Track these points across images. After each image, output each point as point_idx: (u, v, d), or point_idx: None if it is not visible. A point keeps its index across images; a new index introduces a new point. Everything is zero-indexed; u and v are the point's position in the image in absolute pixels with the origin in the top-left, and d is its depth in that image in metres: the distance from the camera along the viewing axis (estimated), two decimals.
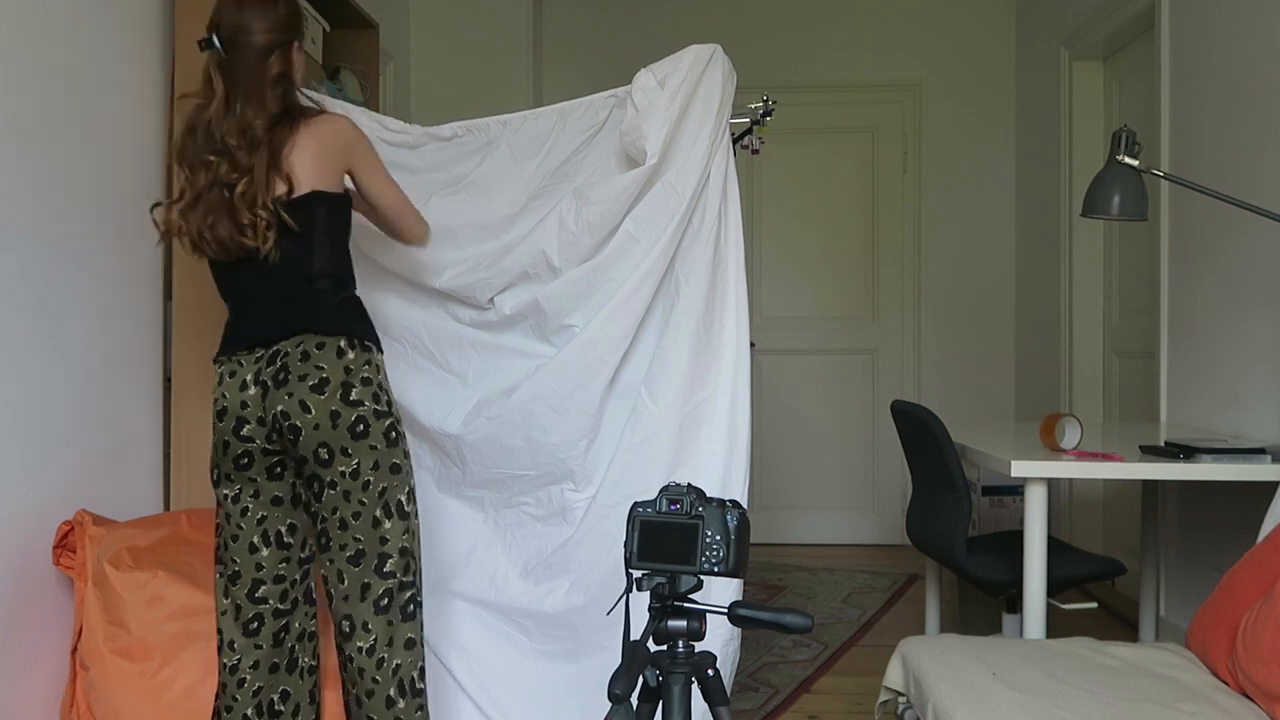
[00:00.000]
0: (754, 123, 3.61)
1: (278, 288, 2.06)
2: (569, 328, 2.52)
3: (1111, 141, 2.49)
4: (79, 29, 2.44)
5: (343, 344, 2.04)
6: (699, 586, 1.50)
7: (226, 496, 2.11)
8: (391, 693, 2.05)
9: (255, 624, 2.11)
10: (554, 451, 2.53)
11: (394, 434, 2.07)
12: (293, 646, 2.17)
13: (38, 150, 2.30)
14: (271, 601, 2.12)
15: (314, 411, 2.00)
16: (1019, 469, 2.46)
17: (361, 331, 2.09)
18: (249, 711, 2.12)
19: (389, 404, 2.08)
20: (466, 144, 2.70)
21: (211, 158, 1.99)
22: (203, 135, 2.02)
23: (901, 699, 2.23)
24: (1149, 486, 3.31)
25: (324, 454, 2.01)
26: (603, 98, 2.62)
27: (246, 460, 2.08)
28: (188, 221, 2.03)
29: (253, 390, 2.04)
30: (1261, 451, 2.50)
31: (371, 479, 2.03)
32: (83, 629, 2.30)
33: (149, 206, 2.14)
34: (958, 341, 5.44)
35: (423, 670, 2.11)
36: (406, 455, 2.11)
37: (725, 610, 1.51)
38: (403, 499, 2.08)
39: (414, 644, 2.09)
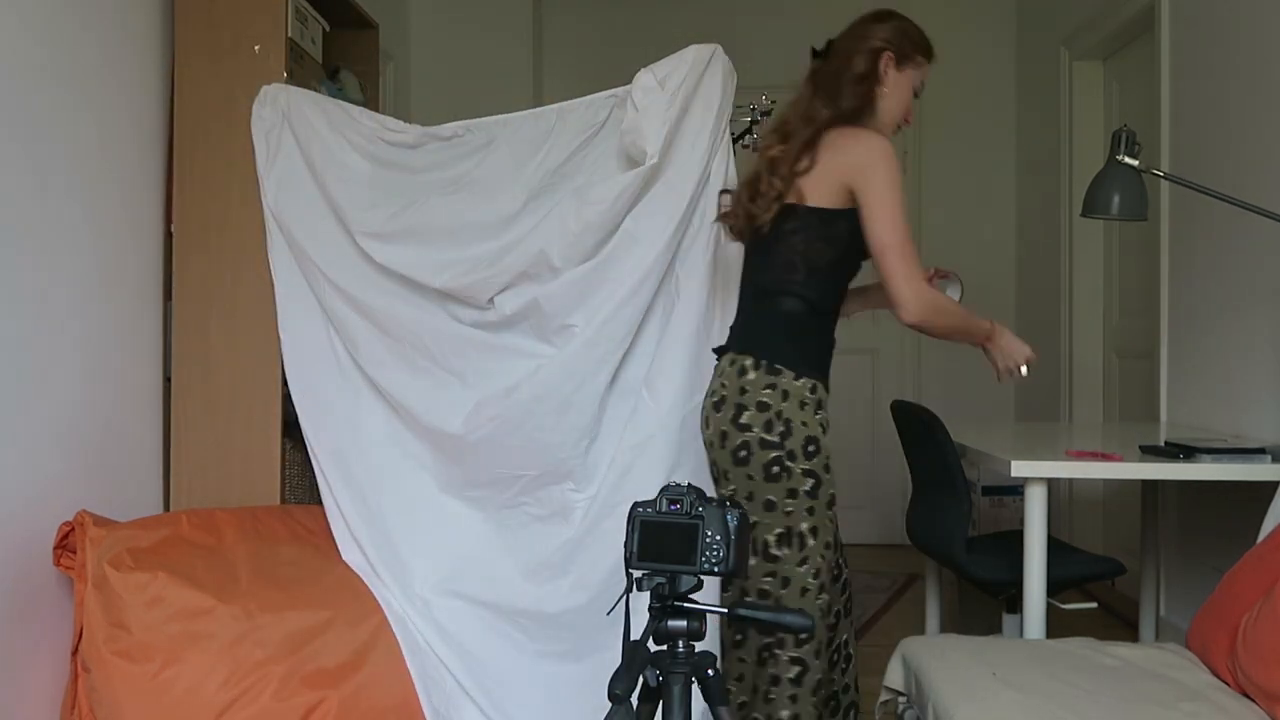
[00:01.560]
0: (754, 122, 3.61)
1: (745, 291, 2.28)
2: (569, 328, 2.51)
3: (1111, 141, 2.49)
4: (78, 28, 2.44)
5: (747, 363, 2.09)
6: (699, 586, 1.50)
7: None
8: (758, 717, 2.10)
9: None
10: (555, 451, 2.53)
11: (777, 468, 2.04)
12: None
13: (37, 150, 2.30)
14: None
15: (711, 427, 2.10)
16: (1019, 469, 2.46)
17: (776, 352, 2.07)
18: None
19: (784, 435, 2.04)
20: (466, 144, 2.70)
21: None
22: None
23: (902, 699, 2.23)
24: (1149, 486, 3.31)
25: (715, 473, 2.12)
26: (603, 98, 2.62)
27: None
28: None
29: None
30: (1261, 451, 2.49)
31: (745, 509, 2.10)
32: (83, 630, 2.30)
33: None
34: None
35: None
36: (793, 495, 2.04)
37: (725, 610, 1.51)
38: (771, 540, 2.04)
39: (772, 700, 2.07)
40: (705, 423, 2.20)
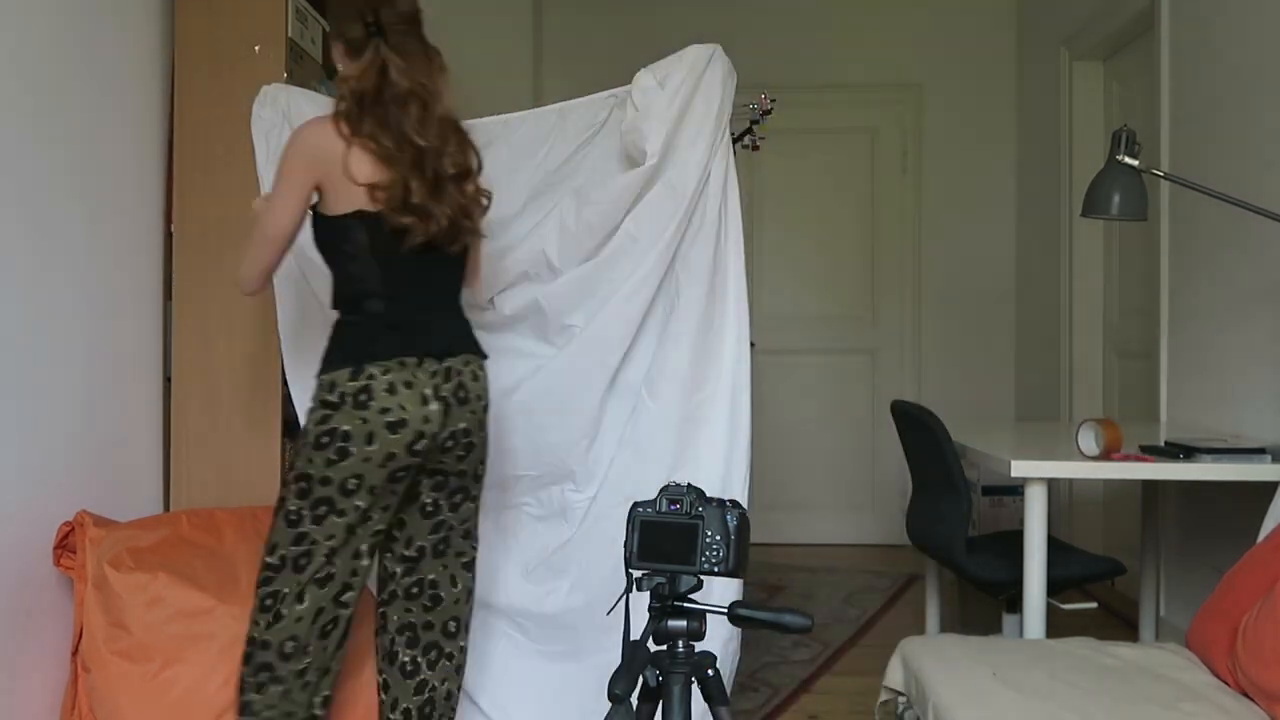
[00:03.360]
0: (754, 122, 3.61)
1: (443, 299, 2.15)
2: (569, 328, 2.51)
3: (1111, 141, 2.49)
4: (78, 28, 2.44)
5: (484, 367, 2.19)
6: (699, 586, 1.50)
7: (355, 507, 2.00)
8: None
9: (330, 625, 2.10)
10: (554, 452, 2.53)
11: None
12: (392, 639, 2.24)
13: (37, 149, 2.30)
14: (351, 608, 2.11)
15: (485, 432, 2.17)
16: (1019, 469, 2.46)
17: (485, 355, 2.21)
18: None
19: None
20: None
21: (426, 145, 1.99)
22: (399, 133, 1.98)
23: (901, 699, 2.23)
24: (1149, 486, 3.30)
25: (480, 470, 2.20)
26: (603, 98, 2.62)
27: (403, 475, 2.04)
28: (426, 200, 1.99)
29: (434, 406, 2.01)
30: (1261, 451, 2.49)
31: (481, 495, 2.25)
32: (83, 630, 2.30)
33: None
34: (958, 341, 5.44)
35: None
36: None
37: (725, 610, 1.51)
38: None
39: None
40: (479, 424, 2.12)
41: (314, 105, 2.69)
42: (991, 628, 3.36)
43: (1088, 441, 2.55)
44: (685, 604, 1.50)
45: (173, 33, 2.76)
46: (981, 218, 5.40)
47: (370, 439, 1.97)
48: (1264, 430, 2.94)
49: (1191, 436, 2.79)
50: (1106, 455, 2.51)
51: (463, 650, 2.27)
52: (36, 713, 2.32)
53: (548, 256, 2.50)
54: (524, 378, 2.53)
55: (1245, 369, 3.07)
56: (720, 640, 2.39)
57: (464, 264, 2.17)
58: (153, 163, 2.75)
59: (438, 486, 2.14)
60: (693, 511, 1.49)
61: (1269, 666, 1.83)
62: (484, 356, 2.18)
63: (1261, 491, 2.40)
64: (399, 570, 2.19)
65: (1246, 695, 1.90)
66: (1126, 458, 2.52)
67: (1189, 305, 3.45)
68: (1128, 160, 2.45)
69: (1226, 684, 1.96)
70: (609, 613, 1.52)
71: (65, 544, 2.34)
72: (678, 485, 1.52)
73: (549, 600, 2.54)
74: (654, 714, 1.52)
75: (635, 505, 1.53)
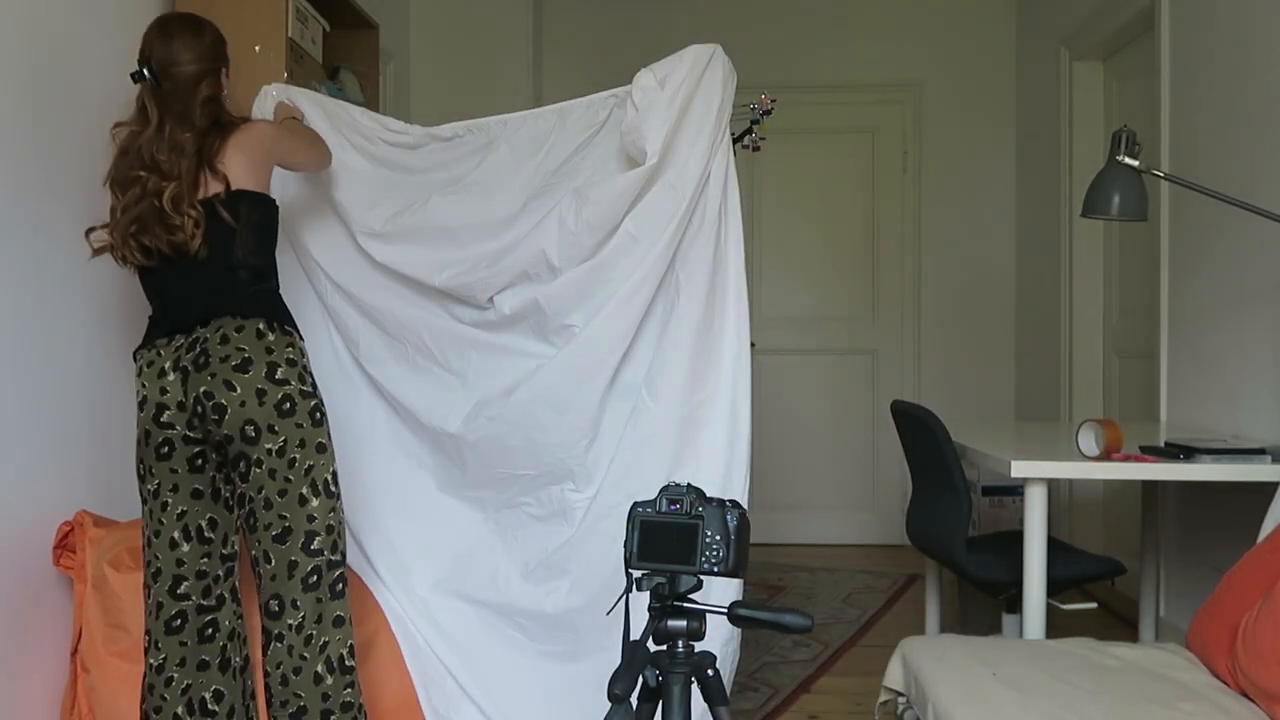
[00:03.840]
0: (754, 122, 3.61)
1: (200, 280, 2.13)
2: (569, 328, 2.52)
3: (1111, 141, 2.49)
4: (78, 28, 2.44)
5: (261, 326, 2.11)
6: (699, 586, 1.50)
7: (149, 492, 2.14)
8: (319, 669, 2.08)
9: (178, 620, 2.14)
10: (554, 451, 2.53)
11: (319, 414, 2.14)
12: (224, 645, 2.19)
13: (37, 150, 2.31)
14: (194, 598, 2.15)
15: (239, 389, 2.05)
16: (1019, 469, 2.46)
17: (280, 316, 2.16)
18: (179, 710, 2.12)
19: (314, 385, 2.16)
20: (466, 144, 2.70)
21: (141, 173, 2.08)
22: (134, 156, 2.11)
23: (901, 699, 2.23)
24: (1149, 486, 3.30)
25: (250, 431, 2.06)
26: (603, 98, 2.63)
27: (167, 449, 2.11)
28: (113, 236, 2.11)
29: (171, 376, 2.10)
30: (1261, 451, 2.50)
31: (298, 456, 2.08)
32: (82, 631, 2.30)
33: (84, 231, 2.19)
34: (958, 341, 5.44)
35: (352, 649, 2.14)
36: (329, 437, 2.16)
37: (725, 610, 1.51)
38: (329, 478, 2.12)
39: (343, 622, 2.13)
40: (227, 385, 2.04)
41: (315, 105, 2.70)
42: (991, 628, 3.35)
43: (1088, 442, 2.55)
44: (685, 604, 1.50)
45: None
46: (981, 217, 5.40)
47: (137, 423, 2.15)
48: (1264, 430, 2.94)
49: (1191, 437, 2.79)
50: (1106, 455, 2.51)
51: (294, 630, 2.07)
52: (36, 713, 2.32)
53: (547, 256, 2.50)
54: (524, 378, 2.53)
55: (1245, 369, 3.07)
56: (720, 640, 2.39)
57: (210, 233, 2.10)
58: None
59: (224, 459, 2.13)
60: (693, 511, 1.49)
61: (1269, 666, 1.83)
62: (256, 315, 2.10)
63: (1261, 491, 2.40)
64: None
65: (1246, 695, 1.90)
66: (1126, 458, 2.52)
67: (1189, 305, 3.44)
68: (1128, 160, 2.45)
69: (1226, 684, 1.96)
70: (609, 613, 1.52)
71: (65, 544, 2.34)
72: (678, 485, 1.52)
73: (549, 600, 2.54)
74: (654, 714, 1.52)
75: (635, 505, 1.53)
